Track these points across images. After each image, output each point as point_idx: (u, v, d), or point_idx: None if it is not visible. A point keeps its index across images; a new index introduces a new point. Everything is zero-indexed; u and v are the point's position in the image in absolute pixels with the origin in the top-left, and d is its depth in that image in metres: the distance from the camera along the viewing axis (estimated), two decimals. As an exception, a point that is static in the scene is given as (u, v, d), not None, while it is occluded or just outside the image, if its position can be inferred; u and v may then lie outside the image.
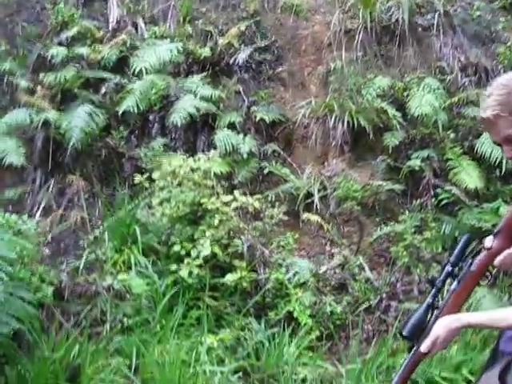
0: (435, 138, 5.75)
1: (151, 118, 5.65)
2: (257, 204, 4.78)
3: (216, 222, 4.54)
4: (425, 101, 5.59)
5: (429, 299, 2.05)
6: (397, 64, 6.20)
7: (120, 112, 5.43)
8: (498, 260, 2.02)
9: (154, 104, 5.57)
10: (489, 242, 2.07)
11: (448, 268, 2.06)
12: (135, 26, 6.26)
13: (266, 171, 5.51)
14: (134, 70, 5.63)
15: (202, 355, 3.93)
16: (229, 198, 4.75)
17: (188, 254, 4.46)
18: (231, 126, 5.57)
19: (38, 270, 4.46)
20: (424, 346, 1.97)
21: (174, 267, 4.45)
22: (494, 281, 4.91)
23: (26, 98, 5.53)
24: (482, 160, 5.63)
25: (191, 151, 5.43)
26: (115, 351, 4.10)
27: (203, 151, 5.34)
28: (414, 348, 2.02)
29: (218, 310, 4.39)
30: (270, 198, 5.28)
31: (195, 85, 5.67)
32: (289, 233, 4.99)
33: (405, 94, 5.86)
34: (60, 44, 6.00)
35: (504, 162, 5.46)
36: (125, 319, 4.33)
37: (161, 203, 4.70)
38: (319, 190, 5.32)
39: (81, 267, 4.68)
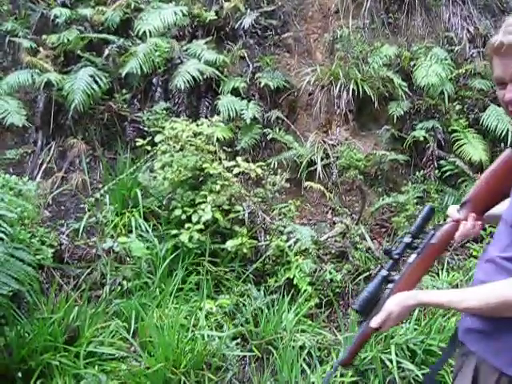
0: (440, 109, 5.69)
1: (154, 81, 5.58)
2: (259, 170, 4.74)
3: (218, 187, 4.51)
4: (431, 71, 5.53)
5: (383, 272, 1.92)
6: (404, 33, 6.11)
7: (123, 75, 5.36)
8: (458, 234, 1.93)
9: (158, 67, 5.49)
10: (455, 213, 1.97)
11: (407, 239, 1.95)
12: (140, -13, 6.15)
13: (269, 138, 5.46)
14: (138, 32, 5.56)
15: (201, 320, 3.93)
16: (231, 163, 4.71)
17: (189, 219, 4.43)
18: (235, 91, 5.51)
19: (39, 231, 4.44)
20: (375, 322, 1.87)
21: (174, 232, 4.44)
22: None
23: (29, 59, 5.46)
24: (487, 133, 5.59)
25: (194, 116, 5.38)
26: (114, 314, 4.10)
27: (206, 116, 5.29)
28: (365, 322, 1.92)
29: (218, 276, 4.39)
30: (272, 165, 5.25)
31: (200, 49, 5.60)
32: (291, 200, 4.97)
33: (411, 63, 5.79)
34: (63, 4, 5.93)
35: (510, 135, 5.41)
36: (124, 282, 4.32)
37: (162, 167, 4.66)
38: (322, 159, 5.28)
39: (81, 230, 4.67)
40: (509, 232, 1.76)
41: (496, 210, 1.99)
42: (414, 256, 1.93)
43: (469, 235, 1.93)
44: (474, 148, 5.42)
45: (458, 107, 5.74)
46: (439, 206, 5.17)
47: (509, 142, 5.44)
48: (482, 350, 1.80)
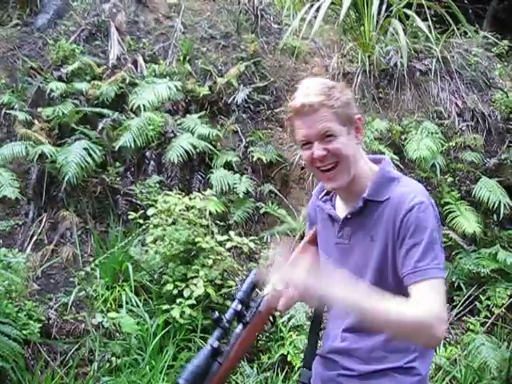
0: (433, 182, 5.73)
1: (148, 154, 5.62)
2: (252, 245, 4.72)
3: (210, 261, 4.47)
4: (422, 144, 5.60)
5: (212, 342, 1.73)
6: (395, 107, 6.22)
7: (116, 148, 5.40)
8: (281, 303, 1.80)
9: (151, 141, 5.55)
10: (278, 281, 1.82)
11: (236, 306, 1.80)
12: (135, 63, 6.29)
13: (261, 212, 5.46)
14: (133, 106, 5.64)
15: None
16: (224, 237, 4.69)
17: (180, 294, 4.36)
18: (228, 165, 5.55)
19: (26, 305, 4.36)
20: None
21: (165, 307, 4.36)
22: (493, 328, 4.83)
23: (23, 131, 5.51)
24: (479, 205, 5.62)
25: (187, 189, 5.38)
26: (102, 392, 3.98)
27: (199, 190, 5.29)
28: None
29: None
30: (265, 239, 5.22)
31: (193, 123, 5.67)
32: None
33: (402, 137, 5.87)
34: (60, 79, 6.02)
35: (502, 207, 5.44)
36: (113, 359, 4.22)
37: (154, 241, 4.63)
38: (315, 232, 5.25)
39: (70, 304, 4.59)
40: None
41: None
42: (241, 326, 1.80)
43: (292, 305, 1.86)
44: (467, 220, 5.42)
45: (449, 180, 5.79)
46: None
47: (501, 214, 5.47)
48: None
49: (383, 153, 5.56)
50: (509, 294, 4.89)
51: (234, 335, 1.80)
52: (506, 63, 7.05)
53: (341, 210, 1.95)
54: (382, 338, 1.82)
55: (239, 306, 1.80)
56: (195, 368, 1.69)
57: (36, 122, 5.72)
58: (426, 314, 1.64)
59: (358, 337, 1.87)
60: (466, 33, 6.87)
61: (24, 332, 4.12)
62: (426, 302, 1.67)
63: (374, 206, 1.84)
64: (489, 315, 4.85)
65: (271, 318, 1.87)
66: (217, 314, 1.79)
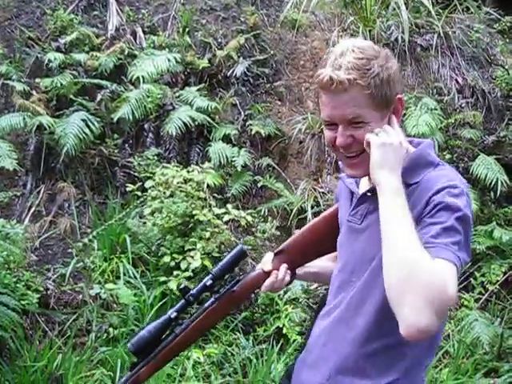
0: (430, 159, 5.72)
1: (146, 126, 5.61)
2: (249, 218, 4.73)
3: (207, 234, 4.48)
4: (422, 120, 5.58)
5: (171, 312, 1.70)
6: (395, 83, 6.18)
7: (115, 120, 5.39)
8: (264, 285, 1.76)
9: (150, 113, 5.53)
10: (268, 263, 1.79)
11: (208, 281, 1.73)
12: (134, 34, 6.24)
13: (259, 185, 5.47)
14: (131, 78, 5.61)
15: (188, 370, 3.86)
16: (221, 210, 4.70)
17: (178, 266, 4.39)
18: (226, 138, 5.54)
19: (25, 276, 4.39)
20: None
21: (163, 279, 4.39)
22: (486, 304, 4.88)
23: (21, 102, 5.47)
24: (476, 182, 5.62)
25: (185, 162, 5.39)
26: (99, 362, 4.02)
27: (197, 163, 5.30)
28: (139, 365, 1.69)
29: (206, 325, 4.32)
30: (262, 213, 5.24)
31: (192, 95, 5.64)
32: (281, 248, 4.94)
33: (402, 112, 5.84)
34: (58, 49, 5.97)
35: (499, 184, 5.45)
36: (111, 330, 4.25)
37: (152, 213, 4.64)
38: (312, 206, 5.27)
39: (68, 275, 4.61)
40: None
41: (311, 267, 1.88)
42: (210, 301, 1.74)
43: (278, 287, 1.78)
44: (464, 197, 5.43)
45: (447, 156, 5.78)
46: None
47: (498, 192, 5.48)
48: None
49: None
50: (503, 270, 4.93)
51: (201, 309, 1.74)
52: (507, 40, 6.99)
53: (364, 186, 1.71)
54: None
55: (209, 282, 1.73)
56: (146, 334, 1.67)
57: (34, 92, 5.69)
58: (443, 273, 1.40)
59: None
60: (468, 8, 6.80)
61: (22, 302, 4.14)
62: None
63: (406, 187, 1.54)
64: (483, 291, 4.89)
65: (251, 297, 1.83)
66: (184, 285, 1.77)
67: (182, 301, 1.72)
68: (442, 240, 1.43)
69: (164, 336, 1.72)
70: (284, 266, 1.78)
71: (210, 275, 1.74)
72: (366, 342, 1.59)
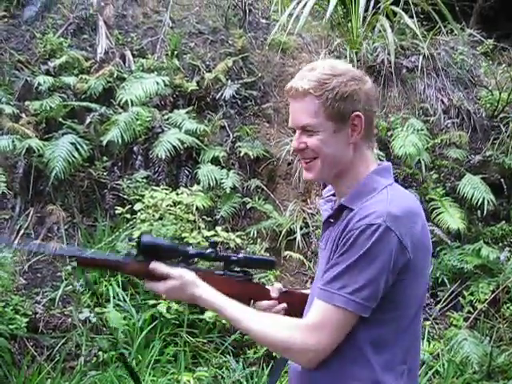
0: (418, 179, 5.79)
1: (135, 149, 5.62)
2: (238, 240, 4.75)
3: (197, 257, 4.48)
4: (408, 141, 5.64)
5: (191, 249, 1.79)
6: (381, 104, 6.26)
7: (104, 143, 5.41)
8: (262, 303, 1.85)
9: (139, 136, 5.55)
10: (275, 291, 1.88)
11: (232, 257, 1.84)
12: (123, 57, 6.27)
13: (248, 207, 5.49)
14: (120, 101, 5.64)
15: (178, 393, 3.85)
16: (210, 233, 4.72)
17: (167, 289, 4.38)
18: (215, 160, 5.56)
19: (13, 300, 4.37)
20: (153, 286, 1.72)
21: (152, 302, 4.39)
22: (475, 323, 4.91)
23: (10, 125, 5.48)
24: (463, 201, 5.68)
25: (174, 185, 5.40)
26: (89, 387, 4.00)
27: (186, 185, 5.32)
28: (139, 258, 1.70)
29: (196, 347, 4.32)
30: (251, 234, 5.25)
31: (180, 118, 5.67)
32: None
33: (388, 133, 5.91)
34: (47, 72, 6.00)
35: (485, 203, 5.51)
36: (100, 353, 4.24)
37: (141, 236, 4.64)
38: (301, 227, 5.30)
39: (57, 299, 4.60)
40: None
41: None
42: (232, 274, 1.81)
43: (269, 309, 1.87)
44: (452, 216, 5.48)
45: (434, 176, 5.85)
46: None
47: (485, 211, 5.53)
48: None
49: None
50: (491, 289, 4.96)
51: (219, 272, 1.80)
52: (491, 62, 7.11)
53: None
54: None
55: (234, 257, 1.83)
56: (164, 244, 1.74)
57: (23, 115, 5.70)
58: (292, 336, 1.60)
59: None
60: (452, 30, 6.91)
61: (10, 327, 4.13)
62: (308, 324, 1.61)
63: (348, 214, 1.65)
64: (472, 310, 4.92)
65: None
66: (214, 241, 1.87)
67: (204, 251, 1.80)
68: (336, 286, 1.57)
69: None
70: (284, 305, 1.87)
71: (235, 256, 1.84)
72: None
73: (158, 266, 1.68)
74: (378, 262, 1.54)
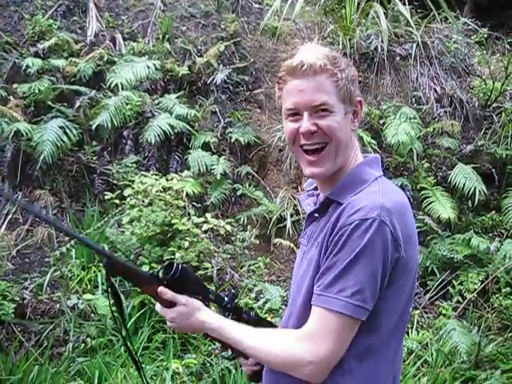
0: (409, 167, 5.77)
1: (125, 134, 5.57)
2: (228, 227, 4.72)
3: (186, 243, 4.46)
4: (401, 129, 5.62)
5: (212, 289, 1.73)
6: (374, 92, 6.23)
7: (93, 127, 5.34)
8: None
9: (129, 120, 5.49)
10: None
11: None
12: (113, 40, 6.20)
13: (238, 193, 5.45)
14: (110, 85, 5.57)
15: (167, 381, 3.83)
16: (200, 219, 4.68)
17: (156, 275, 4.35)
18: (206, 146, 5.52)
19: (0, 285, 4.32)
20: (161, 311, 1.64)
21: (141, 288, 4.35)
22: (464, 312, 4.92)
23: (-2, 108, 5.41)
24: (454, 191, 5.67)
25: (164, 170, 5.36)
26: (77, 373, 3.96)
27: (176, 171, 5.27)
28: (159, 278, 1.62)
29: (185, 334, 4.29)
30: (241, 221, 5.22)
31: (171, 103, 5.62)
32: (260, 257, 4.93)
33: (381, 121, 5.88)
34: (36, 54, 5.92)
35: (477, 193, 5.50)
36: (88, 340, 4.20)
37: (131, 222, 4.61)
38: (292, 215, 5.27)
39: (45, 284, 4.55)
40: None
41: None
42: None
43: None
44: (443, 206, 5.48)
45: (426, 165, 5.83)
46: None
47: (476, 200, 5.52)
48: None
49: (361, 137, 5.59)
50: (480, 279, 4.96)
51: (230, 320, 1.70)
52: (485, 51, 7.07)
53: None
54: None
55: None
56: (188, 274, 1.65)
57: (11, 98, 5.62)
58: (288, 348, 1.51)
59: None
60: (446, 18, 6.87)
61: (-2, 312, 4.09)
62: (305, 334, 1.50)
63: (335, 208, 1.54)
64: (461, 300, 4.93)
65: None
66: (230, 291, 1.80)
67: (223, 298, 1.74)
68: (333, 290, 1.46)
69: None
70: None
71: (247, 315, 1.78)
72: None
73: (165, 291, 1.61)
74: (375, 258, 1.45)
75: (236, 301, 1.76)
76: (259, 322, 1.78)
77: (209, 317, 1.62)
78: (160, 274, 1.64)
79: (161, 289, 1.60)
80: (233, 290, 1.83)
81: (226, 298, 1.74)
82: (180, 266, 1.61)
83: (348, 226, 1.46)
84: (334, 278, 1.46)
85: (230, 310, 1.74)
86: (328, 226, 1.53)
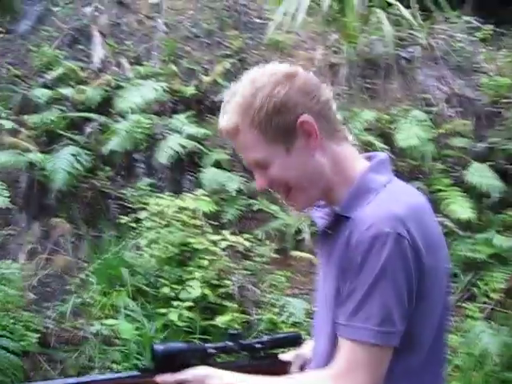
0: (424, 170, 5.72)
1: (137, 157, 5.59)
2: (246, 243, 4.70)
3: (205, 262, 4.44)
4: (412, 133, 5.59)
5: (209, 347, 1.56)
6: (382, 97, 6.21)
7: (105, 152, 5.36)
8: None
9: (140, 143, 5.51)
10: (289, 355, 1.68)
11: (256, 343, 1.63)
12: (119, 65, 6.24)
13: (254, 209, 5.43)
14: (119, 109, 5.59)
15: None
16: (218, 237, 4.67)
17: (177, 296, 4.34)
18: (217, 163, 5.51)
19: (23, 316, 4.33)
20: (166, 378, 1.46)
21: (163, 310, 4.34)
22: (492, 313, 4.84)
23: (10, 140, 5.46)
24: (471, 190, 5.61)
25: (177, 190, 5.34)
26: (104, 400, 3.94)
27: (189, 190, 5.26)
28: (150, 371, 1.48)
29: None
30: (259, 236, 5.19)
31: (180, 123, 5.63)
32: (280, 271, 4.90)
33: (392, 126, 5.85)
34: (44, 85, 5.97)
35: (495, 191, 5.44)
36: (113, 365, 4.19)
37: (149, 244, 4.60)
38: (309, 227, 5.24)
39: (67, 312, 4.55)
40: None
41: None
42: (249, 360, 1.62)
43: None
44: (461, 206, 5.41)
45: (440, 167, 5.78)
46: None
47: (494, 198, 5.46)
48: None
49: (373, 144, 5.56)
50: (506, 278, 4.89)
51: (237, 363, 1.62)
52: (490, 48, 7.04)
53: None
54: None
55: (258, 345, 1.63)
56: (181, 350, 1.50)
57: (22, 129, 5.67)
58: None
59: None
60: (448, 18, 6.85)
61: (22, 343, 4.09)
62: (338, 372, 1.37)
63: (346, 223, 1.41)
64: (487, 301, 4.85)
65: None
66: (234, 332, 1.65)
67: (225, 344, 1.60)
68: (359, 319, 1.34)
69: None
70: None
71: (259, 342, 1.64)
72: None
73: (165, 377, 1.46)
74: (397, 277, 1.32)
75: (241, 341, 1.61)
76: (274, 343, 1.68)
77: (223, 380, 1.45)
78: (148, 364, 1.56)
79: (160, 378, 1.47)
80: (230, 331, 1.68)
81: (228, 342, 1.60)
82: (154, 345, 1.49)
83: (361, 245, 1.34)
84: (358, 306, 1.34)
85: (241, 351, 1.62)
86: (341, 244, 1.40)
